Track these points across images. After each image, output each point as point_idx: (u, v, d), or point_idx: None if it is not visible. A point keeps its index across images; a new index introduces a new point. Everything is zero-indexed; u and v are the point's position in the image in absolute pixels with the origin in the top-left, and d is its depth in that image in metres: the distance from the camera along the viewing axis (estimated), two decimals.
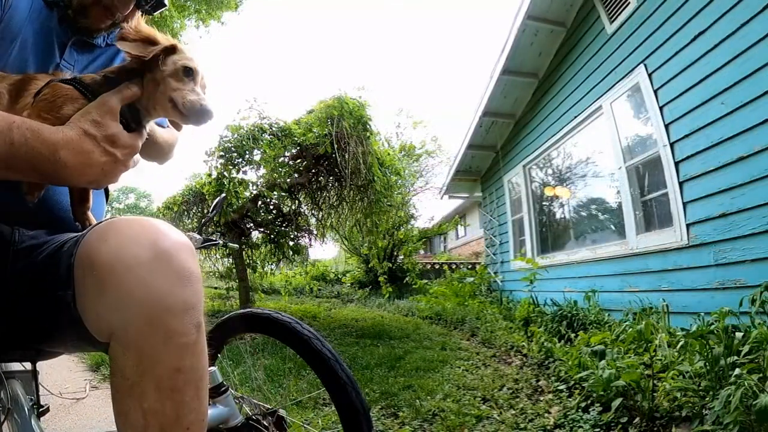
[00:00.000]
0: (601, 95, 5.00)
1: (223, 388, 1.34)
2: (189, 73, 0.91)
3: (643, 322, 2.95)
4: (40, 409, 1.26)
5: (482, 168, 8.97)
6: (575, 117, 5.57)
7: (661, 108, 4.01)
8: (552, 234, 6.81)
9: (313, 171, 6.64)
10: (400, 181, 7.67)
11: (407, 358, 3.94)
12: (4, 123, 0.73)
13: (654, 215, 4.34)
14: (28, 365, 1.36)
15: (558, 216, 6.89)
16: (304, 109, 6.65)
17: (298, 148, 6.23)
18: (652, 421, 2.14)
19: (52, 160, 0.75)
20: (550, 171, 6.93)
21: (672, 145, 3.87)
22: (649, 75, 4.16)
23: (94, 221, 0.92)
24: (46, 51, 1.08)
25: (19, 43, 1.03)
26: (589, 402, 2.49)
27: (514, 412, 2.59)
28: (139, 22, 0.92)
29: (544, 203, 7.03)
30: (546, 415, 2.51)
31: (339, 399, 1.20)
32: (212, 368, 1.35)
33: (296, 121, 6.18)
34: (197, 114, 0.89)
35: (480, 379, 3.28)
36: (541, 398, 2.81)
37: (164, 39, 0.93)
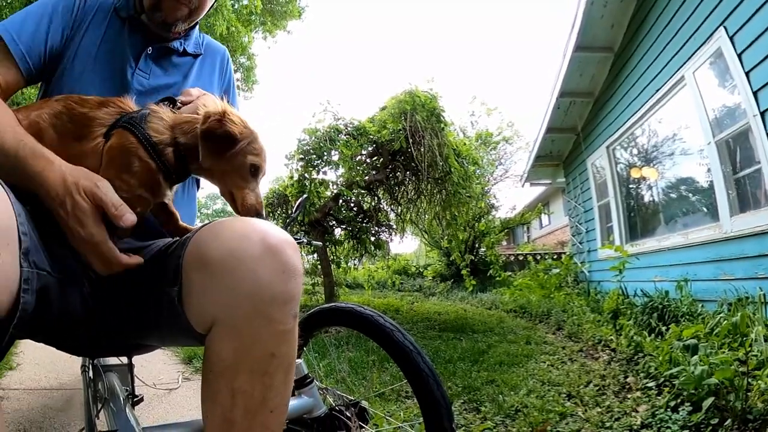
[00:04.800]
0: (682, 65, 4.55)
1: (308, 380, 1.39)
2: (256, 172, 0.93)
3: (738, 314, 2.67)
4: (135, 399, 1.39)
5: (563, 152, 8.51)
6: (657, 90, 5.12)
7: (747, 74, 3.57)
8: (641, 219, 6.32)
9: (390, 167, 6.70)
10: (478, 171, 7.53)
11: (490, 352, 3.87)
12: (14, 140, 0.83)
13: (748, 194, 3.90)
14: (124, 359, 1.51)
15: (646, 199, 6.38)
16: (376, 106, 6.73)
17: (374, 145, 6.33)
18: (745, 423, 1.94)
19: (40, 178, 0.81)
20: (635, 151, 6.44)
21: (763, 114, 3.44)
22: (731, 38, 3.73)
23: (193, 227, 0.96)
24: (118, 64, 1.12)
25: (88, 57, 1.10)
26: (679, 401, 2.30)
27: (599, 409, 2.46)
28: (227, 110, 0.90)
29: (631, 186, 6.54)
30: (633, 413, 2.36)
31: (420, 391, 1.20)
32: (298, 360, 1.41)
33: (370, 119, 6.27)
34: (249, 215, 0.90)
35: (566, 374, 3.15)
36: (629, 396, 2.65)
37: (245, 130, 0.90)
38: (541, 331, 5.10)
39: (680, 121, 5.11)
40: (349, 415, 1.34)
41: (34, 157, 0.82)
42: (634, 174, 6.33)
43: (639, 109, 5.61)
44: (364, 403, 1.38)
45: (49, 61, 1.10)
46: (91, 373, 1.33)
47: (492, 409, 2.49)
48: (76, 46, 1.10)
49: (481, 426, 2.28)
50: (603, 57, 6.36)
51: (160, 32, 1.18)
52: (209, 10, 1.26)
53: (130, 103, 0.94)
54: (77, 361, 1.73)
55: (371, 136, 6.03)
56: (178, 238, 0.96)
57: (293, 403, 1.37)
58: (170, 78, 1.21)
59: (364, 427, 1.35)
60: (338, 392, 1.43)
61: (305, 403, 1.38)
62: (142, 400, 1.50)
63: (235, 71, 19.88)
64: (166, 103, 0.97)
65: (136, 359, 1.54)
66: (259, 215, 0.91)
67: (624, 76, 6.01)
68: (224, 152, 0.87)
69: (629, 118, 5.89)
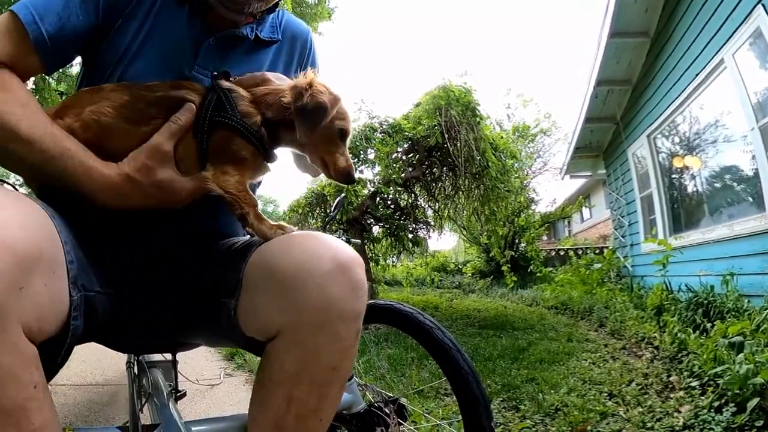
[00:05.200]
0: (721, 47, 4.29)
1: (348, 376, 1.40)
2: (343, 136, 0.92)
3: None
4: (178, 394, 1.42)
5: (603, 142, 8.22)
6: (696, 75, 4.85)
7: None
8: (684, 210, 6.02)
9: (426, 163, 6.66)
10: (516, 165, 7.37)
11: (531, 350, 3.80)
12: (57, 150, 0.77)
13: None
14: (168, 356, 1.54)
15: (690, 189, 6.07)
16: (410, 103, 6.70)
17: (410, 142, 6.30)
18: None
19: (92, 196, 0.80)
20: (676, 139, 6.13)
21: None
22: None
23: (287, 227, 0.88)
24: (173, 58, 0.95)
25: (135, 48, 0.93)
26: (723, 401, 2.17)
27: (641, 409, 2.37)
28: (313, 80, 0.87)
29: (673, 176, 6.23)
30: (675, 414, 2.26)
31: (459, 389, 1.19)
32: None
33: (405, 116, 6.25)
34: (343, 180, 0.91)
35: (607, 373, 3.06)
36: (671, 395, 2.54)
37: (332, 96, 0.87)
38: (583, 329, 4.97)
39: (722, 107, 4.84)
40: (387, 411, 1.33)
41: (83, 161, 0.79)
42: (677, 163, 6.03)
43: (679, 96, 5.34)
44: (403, 400, 1.37)
45: (82, 49, 0.93)
46: (135, 369, 1.38)
47: (531, 407, 2.44)
48: (121, 34, 0.92)
49: (519, 425, 2.24)
50: (639, 42, 6.10)
51: (230, 15, 0.95)
52: None
53: (198, 86, 0.90)
54: (122, 358, 1.79)
55: (406, 133, 6.01)
56: (240, 242, 0.96)
57: None
58: (246, 67, 1.01)
59: (402, 424, 1.33)
60: (377, 389, 1.43)
61: (345, 399, 1.37)
62: (185, 395, 1.54)
63: None
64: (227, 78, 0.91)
65: (180, 355, 1.57)
66: (350, 177, 0.91)
67: (662, 61, 5.75)
68: (318, 123, 0.85)
69: (669, 105, 5.63)
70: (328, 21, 15.98)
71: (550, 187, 42.07)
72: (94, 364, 3.13)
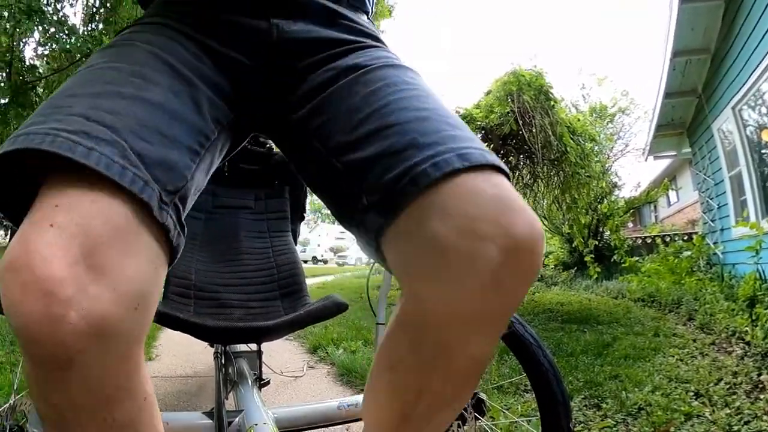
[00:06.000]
0: None
1: (489, 363, 1.39)
2: None
3: None
4: (261, 382, 1.49)
5: (686, 118, 7.50)
6: None
7: None
8: None
9: (502, 152, 6.47)
10: (596, 148, 6.94)
11: (615, 345, 3.60)
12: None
13: None
14: (253, 346, 1.62)
15: None
16: (480, 91, 6.52)
17: (483, 131, 6.15)
18: None
19: None
20: (764, 110, 5.42)
21: None
22: None
23: None
24: None
25: None
26: None
27: (728, 411, 2.16)
28: None
29: (764, 152, 5.53)
30: (765, 417, 2.03)
31: (539, 386, 1.16)
32: None
33: (476, 105, 6.10)
34: None
35: (695, 370, 2.83)
36: (761, 396, 2.28)
37: None
38: (671, 322, 4.63)
39: None
40: (465, 405, 1.30)
41: None
42: (765, 137, 5.37)
43: (762, 61, 4.75)
44: (482, 395, 1.34)
45: None
46: (222, 359, 1.45)
47: (614, 406, 2.31)
48: None
49: (600, 424, 2.12)
50: (713, 5, 5.54)
51: None
52: None
53: None
54: (210, 352, 1.91)
55: (479, 123, 5.86)
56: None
57: None
58: None
59: (479, 419, 1.30)
60: None
61: None
62: (268, 383, 1.61)
63: None
64: None
65: (265, 346, 1.65)
66: None
67: (739, 24, 5.16)
68: None
69: (752, 73, 5.01)
70: (390, 18, 16.08)
71: (633, 169, 39.38)
72: (184, 358, 3.38)
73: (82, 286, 0.44)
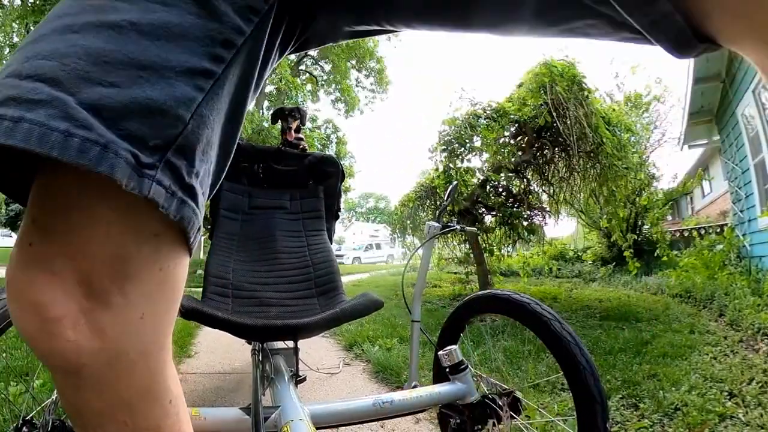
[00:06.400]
0: None
1: (462, 366, 1.40)
2: None
3: None
4: (298, 379, 1.51)
5: (713, 104, 7.19)
6: None
7: None
8: None
9: (536, 145, 6.35)
10: (632, 138, 6.70)
11: (654, 343, 3.49)
12: None
13: None
14: (290, 343, 1.65)
15: None
16: (512, 84, 6.42)
17: (516, 125, 6.05)
18: None
19: None
20: None
21: None
22: None
23: None
24: None
25: None
26: None
27: (760, 411, 2.08)
28: None
29: None
30: None
31: (575, 385, 1.15)
32: (454, 347, 1.42)
33: (508, 98, 6.01)
34: None
35: (728, 369, 2.75)
36: None
37: None
38: (705, 319, 4.50)
39: None
40: (501, 404, 1.30)
41: None
42: None
43: None
44: (518, 394, 1.34)
45: None
46: (260, 356, 1.49)
47: (651, 406, 2.25)
48: None
49: (637, 424, 2.07)
50: None
51: None
52: None
53: None
54: (248, 349, 1.96)
55: (512, 116, 5.77)
56: None
57: (447, 388, 1.38)
58: None
59: (515, 418, 1.29)
60: (492, 380, 1.40)
61: (458, 389, 1.38)
62: (304, 380, 1.64)
63: (367, 76, 20.80)
64: None
65: (301, 343, 1.68)
66: None
67: None
68: None
69: None
70: None
71: (671, 160, 37.72)
72: (222, 355, 3.47)
73: (75, 303, 0.41)
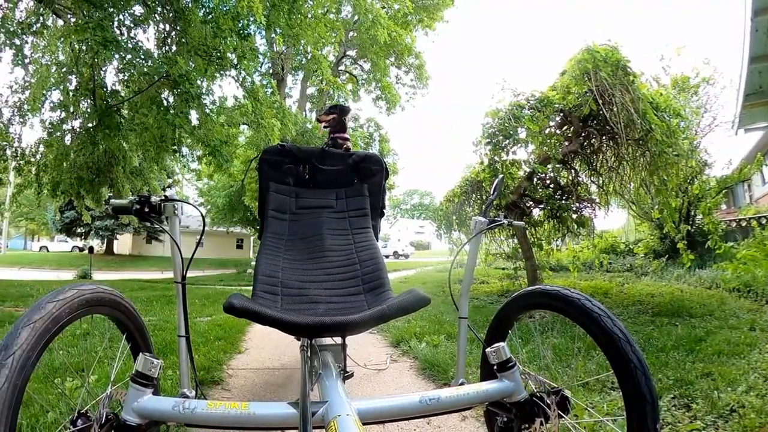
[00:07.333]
0: None
1: (510, 363, 1.39)
2: None
3: None
4: (345, 375, 1.54)
5: None
6: None
7: None
8: None
9: (583, 134, 6.15)
10: (682, 124, 6.35)
11: (708, 340, 3.34)
12: None
13: None
14: (338, 340, 1.69)
15: None
16: (555, 72, 6.23)
17: (561, 114, 5.89)
18: None
19: None
20: None
21: None
22: None
23: None
24: None
25: None
26: None
27: None
28: None
29: None
30: None
31: (626, 384, 1.12)
32: (502, 344, 1.41)
33: (552, 87, 5.84)
34: None
35: None
36: None
37: None
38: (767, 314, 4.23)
39: None
40: (549, 402, 1.28)
41: None
42: None
43: None
44: (566, 392, 1.32)
45: None
46: (308, 352, 1.52)
47: (704, 406, 2.14)
48: None
49: (688, 426, 1.98)
50: None
51: None
52: None
53: None
54: (297, 345, 2.01)
55: (556, 105, 5.60)
56: None
57: (495, 386, 1.37)
58: None
59: (563, 417, 1.27)
60: (541, 378, 1.39)
61: (506, 386, 1.37)
62: (352, 375, 1.67)
63: (407, 72, 20.73)
64: None
65: (349, 340, 1.72)
66: None
67: None
68: None
69: None
70: (452, 7, 15.73)
71: (723, 145, 35.35)
72: (271, 351, 3.58)
73: None
